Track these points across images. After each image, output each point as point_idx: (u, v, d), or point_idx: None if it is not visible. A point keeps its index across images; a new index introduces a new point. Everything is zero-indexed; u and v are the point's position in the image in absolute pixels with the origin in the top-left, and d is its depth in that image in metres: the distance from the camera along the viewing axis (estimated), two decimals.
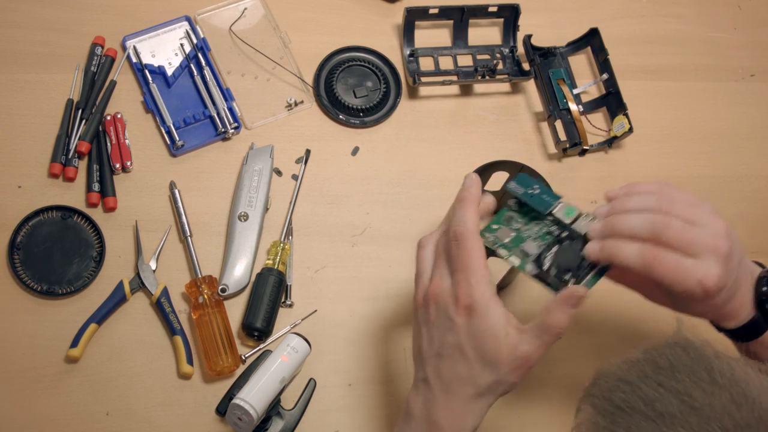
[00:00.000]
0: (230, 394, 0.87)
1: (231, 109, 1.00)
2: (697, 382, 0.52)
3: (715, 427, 0.49)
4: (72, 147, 0.95)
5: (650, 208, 0.69)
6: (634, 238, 0.68)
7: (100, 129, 0.96)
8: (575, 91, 1.06)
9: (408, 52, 1.07)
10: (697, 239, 0.66)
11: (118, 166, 0.95)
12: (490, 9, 1.07)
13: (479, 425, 0.73)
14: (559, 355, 0.94)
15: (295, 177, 0.99)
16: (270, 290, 0.90)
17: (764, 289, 0.71)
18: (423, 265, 0.77)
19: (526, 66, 1.08)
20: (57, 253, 0.91)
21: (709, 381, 0.52)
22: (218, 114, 0.99)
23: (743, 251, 0.70)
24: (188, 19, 1.03)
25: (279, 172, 0.99)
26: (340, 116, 1.02)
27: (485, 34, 1.10)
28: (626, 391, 0.54)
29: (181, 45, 1.02)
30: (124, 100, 0.99)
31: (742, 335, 0.72)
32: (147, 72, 1.00)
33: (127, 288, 0.90)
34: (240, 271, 0.92)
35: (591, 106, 1.07)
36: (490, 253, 0.76)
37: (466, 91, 1.07)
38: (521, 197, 0.76)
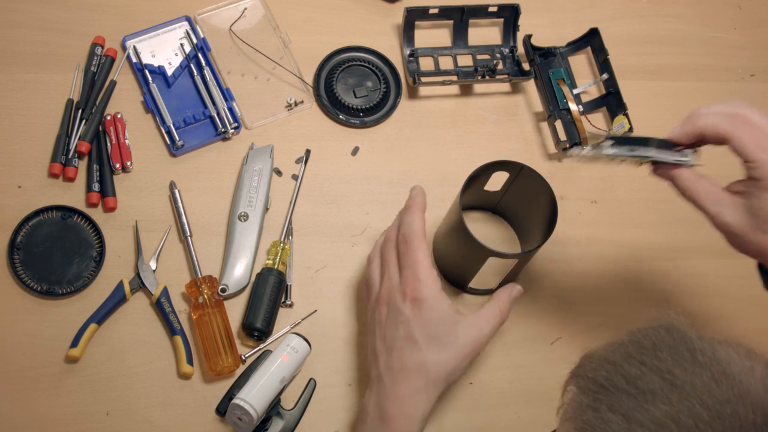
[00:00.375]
0: (230, 394, 0.87)
1: (231, 109, 1.00)
2: (678, 360, 0.53)
3: (694, 403, 0.50)
4: (72, 147, 0.95)
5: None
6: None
7: (100, 129, 0.96)
8: (575, 91, 1.06)
9: (408, 52, 1.07)
10: None
11: (118, 166, 0.95)
12: (490, 9, 1.07)
13: (428, 416, 0.78)
14: (560, 356, 0.94)
15: (295, 177, 0.99)
16: (270, 290, 0.90)
17: None
18: (373, 276, 0.84)
19: (526, 66, 1.08)
20: (57, 253, 0.91)
21: (690, 360, 0.53)
22: (218, 114, 0.99)
23: None
24: (188, 19, 1.03)
25: (279, 172, 0.99)
26: (340, 116, 1.02)
27: (485, 34, 1.10)
28: (609, 370, 0.54)
29: (181, 45, 1.02)
30: (124, 100, 0.99)
31: None
32: (147, 72, 1.00)
33: (127, 288, 0.90)
34: (240, 271, 0.92)
35: (591, 106, 1.07)
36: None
37: (466, 91, 1.07)
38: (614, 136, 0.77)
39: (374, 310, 0.82)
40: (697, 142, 0.73)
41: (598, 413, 0.53)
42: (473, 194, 0.93)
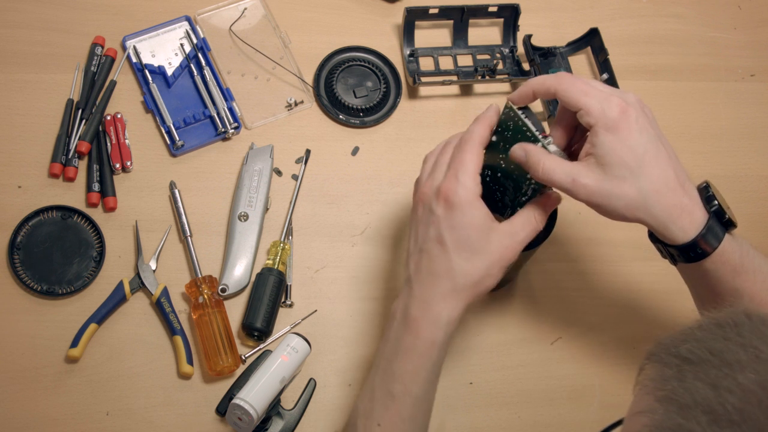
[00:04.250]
0: (230, 394, 0.87)
1: (231, 109, 1.00)
2: (761, 337, 0.53)
3: None
4: (72, 147, 0.95)
5: None
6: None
7: (100, 129, 0.96)
8: None
9: (408, 52, 1.07)
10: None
11: (118, 166, 0.95)
12: (490, 9, 1.07)
13: (455, 324, 0.76)
14: (560, 356, 0.94)
15: (295, 177, 0.99)
16: (270, 290, 0.90)
17: (709, 193, 0.75)
18: (422, 174, 0.81)
19: (526, 66, 1.08)
20: (57, 253, 0.91)
21: None
22: (218, 114, 0.99)
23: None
24: (188, 19, 1.03)
25: (279, 172, 0.99)
26: (340, 116, 1.02)
27: (485, 34, 1.10)
28: (693, 344, 0.54)
29: (181, 45, 1.02)
30: (124, 100, 0.99)
31: (699, 247, 0.73)
32: (147, 72, 1.00)
33: (127, 288, 0.90)
34: (240, 271, 0.92)
35: None
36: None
37: (466, 91, 1.07)
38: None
39: (414, 209, 0.80)
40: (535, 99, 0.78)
41: (684, 382, 0.52)
42: None
